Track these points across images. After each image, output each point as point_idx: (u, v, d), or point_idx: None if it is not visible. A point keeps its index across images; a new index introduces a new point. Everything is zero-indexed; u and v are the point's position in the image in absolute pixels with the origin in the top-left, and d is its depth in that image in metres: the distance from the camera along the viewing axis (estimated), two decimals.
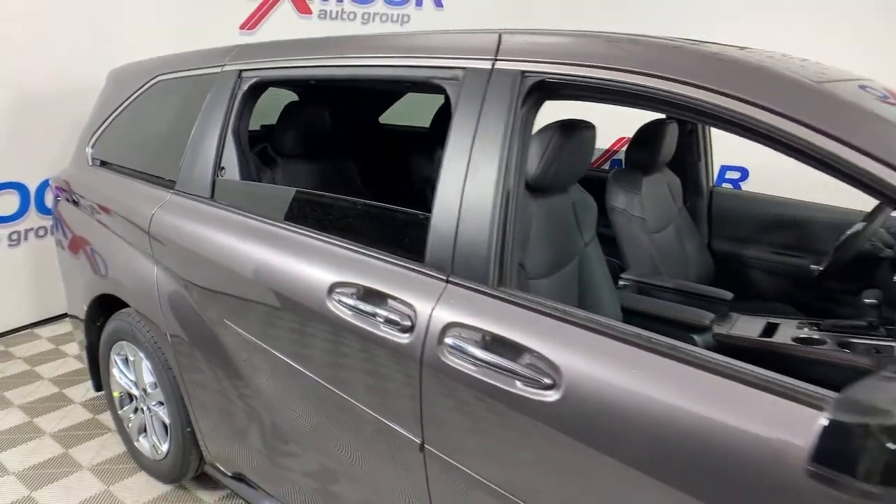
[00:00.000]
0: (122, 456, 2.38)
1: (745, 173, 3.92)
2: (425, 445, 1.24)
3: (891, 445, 0.61)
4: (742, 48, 1.35)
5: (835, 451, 0.64)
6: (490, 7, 4.77)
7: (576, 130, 1.44)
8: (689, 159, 2.37)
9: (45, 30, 3.19)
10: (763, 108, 0.95)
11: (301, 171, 2.08)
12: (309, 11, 4.47)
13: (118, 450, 2.41)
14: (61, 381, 2.95)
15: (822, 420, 0.64)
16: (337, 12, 4.57)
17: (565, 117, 1.53)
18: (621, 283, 1.95)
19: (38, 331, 3.52)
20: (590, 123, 1.49)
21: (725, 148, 2.63)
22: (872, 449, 0.62)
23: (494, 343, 1.11)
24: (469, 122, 1.24)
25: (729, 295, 1.79)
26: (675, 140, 2.14)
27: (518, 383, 1.07)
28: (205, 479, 2.20)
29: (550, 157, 1.41)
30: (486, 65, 1.25)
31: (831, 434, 0.64)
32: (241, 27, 4.20)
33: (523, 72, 1.20)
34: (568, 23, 5.27)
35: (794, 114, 0.93)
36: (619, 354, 1.00)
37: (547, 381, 1.04)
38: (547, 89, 1.20)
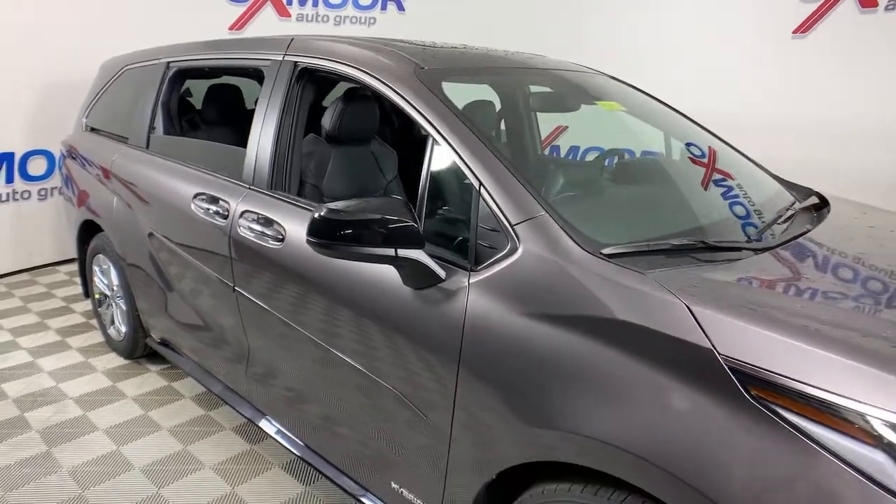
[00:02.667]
0: (100, 343, 3.28)
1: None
2: (235, 288, 2.04)
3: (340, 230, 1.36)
4: (463, 47, 2.09)
5: (315, 230, 1.39)
6: (447, 8, 5.52)
7: (355, 101, 2.20)
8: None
9: (68, 34, 4.12)
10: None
11: (217, 133, 2.90)
12: (288, 14, 5.32)
13: (98, 339, 3.31)
14: (69, 300, 3.89)
15: (314, 216, 1.40)
16: (312, 15, 5.40)
17: None
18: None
19: (59, 268, 4.50)
20: (369, 96, 2.24)
21: None
22: (328, 224, 1.37)
23: (261, 219, 1.91)
24: (267, 94, 2.04)
25: None
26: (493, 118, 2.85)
27: (269, 241, 1.86)
28: (152, 357, 3.06)
29: (337, 118, 2.16)
30: (280, 57, 2.05)
31: (317, 223, 1.39)
32: (230, 28, 5.08)
33: (295, 62, 1.99)
34: (524, 25, 5.97)
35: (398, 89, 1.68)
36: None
37: (279, 237, 1.83)
38: (308, 74, 1.98)
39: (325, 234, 1.39)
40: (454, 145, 1.48)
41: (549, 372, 1.23)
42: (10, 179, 4.24)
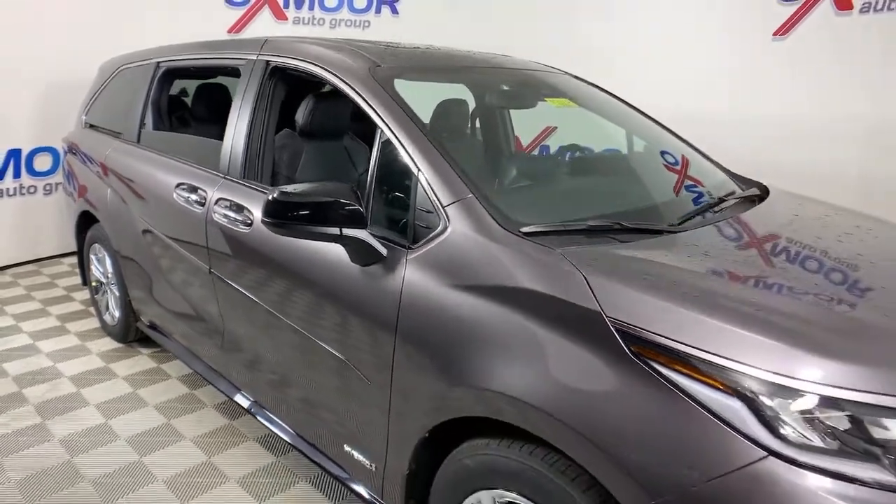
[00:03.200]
0: (96, 329, 3.46)
1: None
2: (211, 270, 2.20)
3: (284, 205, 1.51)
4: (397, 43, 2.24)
5: (268, 210, 1.54)
6: (439, 11, 5.67)
7: (326, 98, 2.35)
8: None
9: (72, 37, 4.31)
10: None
11: (205, 129, 3.06)
12: (285, 18, 5.49)
13: (95, 325, 3.49)
14: (70, 289, 4.09)
15: (267, 198, 1.55)
16: (308, 18, 5.57)
17: None
18: None
19: (63, 259, 4.69)
20: (339, 94, 2.38)
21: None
22: (279, 205, 1.52)
23: (233, 206, 2.06)
24: (242, 90, 2.19)
25: None
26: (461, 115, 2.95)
27: (240, 225, 2.02)
28: (143, 342, 3.23)
29: (308, 114, 2.31)
30: (254, 57, 2.20)
31: (270, 204, 1.54)
32: (229, 31, 5.26)
33: (268, 61, 2.15)
34: (516, 27, 6.09)
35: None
36: None
37: (248, 222, 1.98)
38: (279, 72, 2.13)
39: (277, 214, 1.54)
40: (398, 136, 1.63)
41: (468, 336, 1.37)
42: (17, 174, 4.44)
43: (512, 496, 1.34)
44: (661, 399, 1.11)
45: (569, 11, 5.63)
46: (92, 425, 2.52)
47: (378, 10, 5.71)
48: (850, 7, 3.96)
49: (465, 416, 1.40)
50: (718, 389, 1.08)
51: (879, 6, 3.82)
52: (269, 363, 2.09)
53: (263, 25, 5.35)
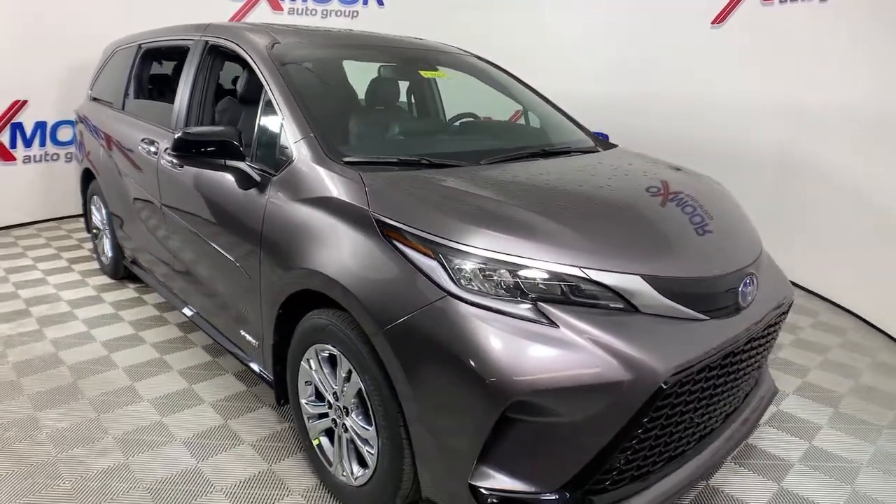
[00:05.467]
0: (96, 269, 4.14)
1: None
2: (162, 205, 2.80)
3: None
4: (351, 31, 2.78)
5: (174, 145, 2.10)
6: (423, 2, 6.19)
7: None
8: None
9: (87, 25, 5.00)
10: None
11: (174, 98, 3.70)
12: (281, 9, 6.09)
13: (96, 266, 4.18)
14: (82, 241, 4.80)
15: (174, 136, 2.11)
16: (302, 9, 6.16)
17: None
18: None
19: (79, 218, 5.42)
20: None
21: None
22: (182, 142, 2.08)
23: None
24: (188, 63, 2.78)
25: None
26: (394, 91, 3.48)
27: (177, 167, 2.61)
28: (132, 279, 3.88)
29: (245, 83, 2.88)
30: (198, 37, 2.79)
31: (176, 141, 2.11)
32: (230, 20, 5.89)
33: (206, 41, 2.73)
34: (495, 17, 6.61)
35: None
36: None
37: (181, 167, 2.56)
38: (215, 51, 2.71)
39: (181, 148, 2.11)
40: (273, 93, 2.18)
41: (298, 234, 1.91)
42: (42, 143, 5.18)
43: (326, 347, 1.88)
44: (395, 263, 1.64)
45: (540, 3, 6.08)
46: (78, 332, 3.18)
47: (365, 2, 6.27)
48: None
49: (302, 292, 1.94)
50: (426, 255, 1.60)
51: None
52: (196, 273, 2.68)
53: (261, 17, 5.97)
